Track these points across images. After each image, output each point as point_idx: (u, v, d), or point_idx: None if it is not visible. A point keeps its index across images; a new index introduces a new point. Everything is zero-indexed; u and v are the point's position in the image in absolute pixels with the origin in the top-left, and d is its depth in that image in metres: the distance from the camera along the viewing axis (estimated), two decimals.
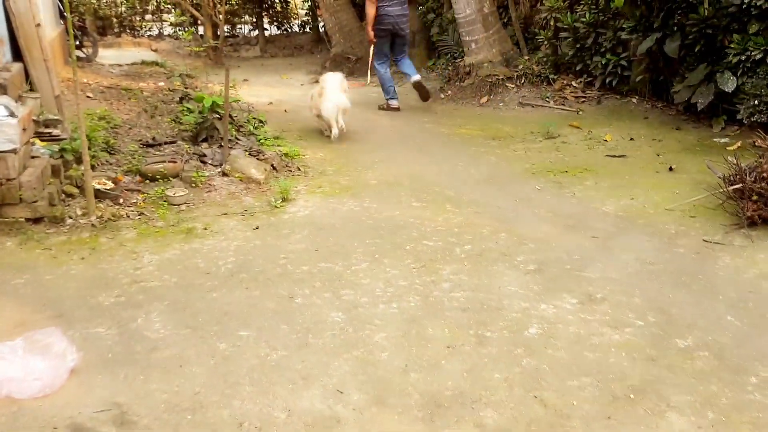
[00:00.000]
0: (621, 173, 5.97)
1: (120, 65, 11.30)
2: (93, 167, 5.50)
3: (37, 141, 5.31)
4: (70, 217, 4.80)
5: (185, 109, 7.19)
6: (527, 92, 9.19)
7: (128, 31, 15.81)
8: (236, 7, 16.30)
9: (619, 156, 6.50)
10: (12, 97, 5.27)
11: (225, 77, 5.79)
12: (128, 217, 4.93)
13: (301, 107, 9.52)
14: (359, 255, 4.32)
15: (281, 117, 8.90)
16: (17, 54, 6.05)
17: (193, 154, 6.08)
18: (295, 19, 17.30)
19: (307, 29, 16.75)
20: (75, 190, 5.10)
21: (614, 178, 5.83)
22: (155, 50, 14.96)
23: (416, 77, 9.00)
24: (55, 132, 5.47)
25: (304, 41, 16.03)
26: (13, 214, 4.56)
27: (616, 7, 8.27)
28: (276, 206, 5.25)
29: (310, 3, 16.05)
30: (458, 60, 10.17)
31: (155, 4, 16.09)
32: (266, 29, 16.57)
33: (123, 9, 15.64)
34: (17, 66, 5.87)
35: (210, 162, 5.98)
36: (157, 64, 11.13)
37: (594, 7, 8.57)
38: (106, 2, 15.50)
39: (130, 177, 5.61)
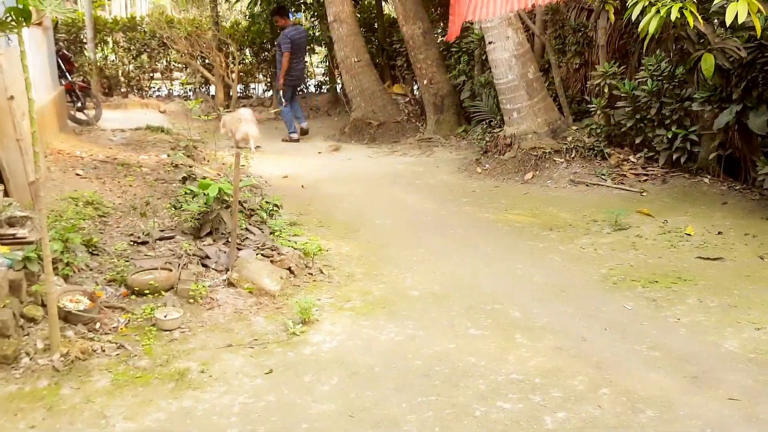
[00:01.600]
0: (726, 286, 4.78)
1: (123, 130, 10.31)
2: (67, 277, 4.38)
3: None
4: (27, 354, 3.65)
5: (187, 192, 6.10)
6: (579, 168, 8.07)
7: (136, 91, 14.92)
8: (250, 66, 15.43)
9: (715, 259, 5.32)
10: None
11: (235, 162, 4.69)
12: (103, 351, 3.77)
13: (321, 181, 8.48)
14: (412, 428, 3.11)
15: (298, 194, 7.81)
16: None
17: (194, 255, 4.94)
18: (311, 78, 16.41)
19: (324, 90, 15.85)
20: (39, 313, 3.96)
21: (721, 294, 4.63)
22: (163, 112, 14.05)
23: (305, 124, 11.88)
24: (21, 233, 4.36)
25: (320, 102, 15.08)
26: None
27: (682, 74, 7.23)
28: (295, 333, 4.08)
29: (327, 63, 15.16)
30: (496, 129, 9.11)
31: (165, 63, 15.24)
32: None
33: (131, 68, 14.77)
34: None
35: (213, 267, 4.84)
36: (162, 130, 10.12)
37: (658, 74, 7.51)
38: (113, 61, 14.66)
39: (113, 288, 4.47)
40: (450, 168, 9.03)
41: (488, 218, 6.72)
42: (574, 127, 8.74)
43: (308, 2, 14.14)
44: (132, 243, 5.15)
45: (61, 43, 13.63)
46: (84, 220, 5.42)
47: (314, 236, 6.01)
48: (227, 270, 4.76)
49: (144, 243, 5.15)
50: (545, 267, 5.32)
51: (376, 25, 14.48)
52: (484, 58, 10.55)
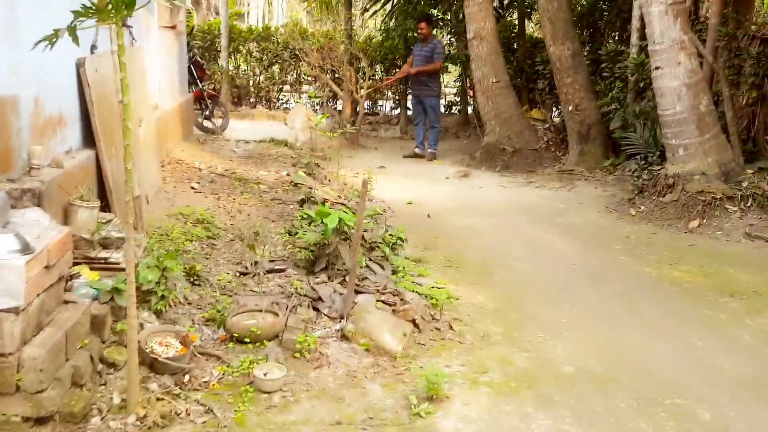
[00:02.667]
0: None
1: (247, 142, 9.96)
2: (160, 313, 3.77)
3: (84, 271, 3.65)
4: (99, 411, 3.02)
5: (304, 216, 5.45)
6: (756, 219, 6.81)
7: (264, 102, 14.74)
8: (380, 82, 14.88)
9: None
10: (55, 206, 3.67)
11: (361, 193, 3.93)
12: (188, 416, 3.08)
13: (448, 210, 7.67)
14: None
15: (423, 224, 7.03)
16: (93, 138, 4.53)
17: (304, 296, 4.23)
18: (441, 98, 15.67)
19: (454, 110, 15.07)
20: (122, 357, 3.34)
21: None
22: None
23: (419, 150, 11.35)
24: (115, 257, 3.80)
25: (449, 123, 14.32)
26: (4, 408, 2.82)
27: None
28: (419, 414, 3.25)
29: (461, 83, 14.38)
30: (654, 166, 7.93)
31: (295, 75, 14.97)
32: (409, 108, 15.01)
33: (261, 78, 14.60)
34: (84, 155, 4.33)
35: (326, 312, 4.11)
36: (285, 144, 9.67)
37: None
38: (245, 71, 14.54)
39: (210, 330, 3.82)
40: (596, 206, 7.96)
41: (649, 273, 5.64)
42: (750, 171, 7.47)
43: (446, 18, 13.43)
44: (238, 274, 4.51)
45: (195, 50, 13.66)
46: (191, 241, 4.87)
47: (442, 278, 5.19)
48: (341, 318, 4.01)
49: (253, 275, 4.49)
50: (732, 347, 4.22)
51: (515, 45, 13.59)
52: (641, 85, 9.45)
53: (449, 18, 13.22)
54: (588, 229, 7.04)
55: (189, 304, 4.01)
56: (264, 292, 4.21)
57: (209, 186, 6.40)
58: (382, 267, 5.06)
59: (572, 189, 8.93)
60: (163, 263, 3.84)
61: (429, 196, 8.45)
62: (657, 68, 7.35)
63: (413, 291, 4.68)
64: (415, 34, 12.57)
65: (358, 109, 12.97)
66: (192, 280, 4.21)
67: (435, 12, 13.21)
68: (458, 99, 14.87)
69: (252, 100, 14.58)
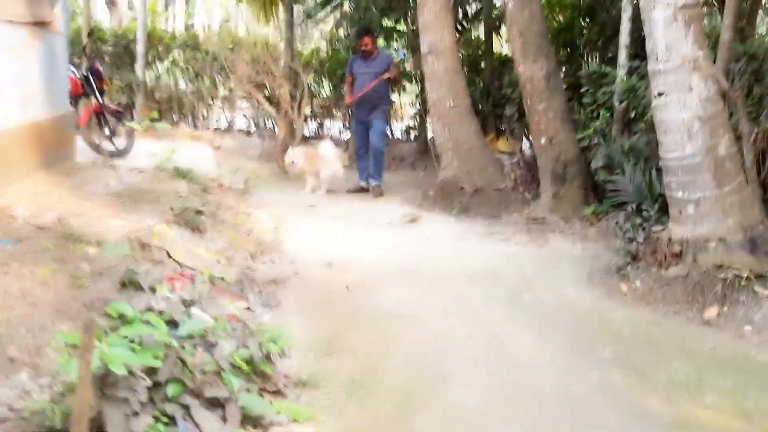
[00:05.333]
0: None
1: (141, 171, 7.84)
2: None
3: None
4: None
5: (112, 316, 3.36)
6: None
7: (190, 120, 12.65)
8: (327, 102, 12.89)
9: None
10: None
11: (82, 358, 1.83)
12: None
13: (379, 279, 5.69)
14: None
15: (336, 303, 5.04)
16: None
17: None
18: (398, 121, 13.72)
19: (412, 137, 13.13)
20: None
21: None
22: (218, 148, 11.69)
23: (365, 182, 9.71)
24: None
25: (405, 152, 12.37)
26: None
27: None
28: None
29: (419, 106, 12.43)
30: (652, 224, 5.95)
31: (228, 89, 12.92)
32: None
33: (187, 92, 12.52)
34: None
35: None
36: (184, 176, 7.59)
37: None
38: (166, 83, 12.44)
39: None
40: (575, 274, 5.96)
41: (660, 414, 3.62)
42: None
43: (401, 30, 11.49)
44: None
45: (105, 58, 11.56)
46: None
47: (331, 429, 3.14)
48: None
49: None
50: None
51: (482, 65, 11.70)
52: (632, 116, 7.54)
53: (403, 30, 11.27)
54: (564, 315, 5.03)
55: None
56: None
57: (7, 249, 4.27)
58: (223, 415, 3.00)
59: (544, 245, 6.96)
60: None
61: (359, 252, 6.44)
62: (660, 94, 5.39)
63: None
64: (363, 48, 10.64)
65: (296, 135, 10.97)
66: None
67: (387, 22, 11.26)
68: (417, 123, 12.93)
69: (175, 117, 12.46)
